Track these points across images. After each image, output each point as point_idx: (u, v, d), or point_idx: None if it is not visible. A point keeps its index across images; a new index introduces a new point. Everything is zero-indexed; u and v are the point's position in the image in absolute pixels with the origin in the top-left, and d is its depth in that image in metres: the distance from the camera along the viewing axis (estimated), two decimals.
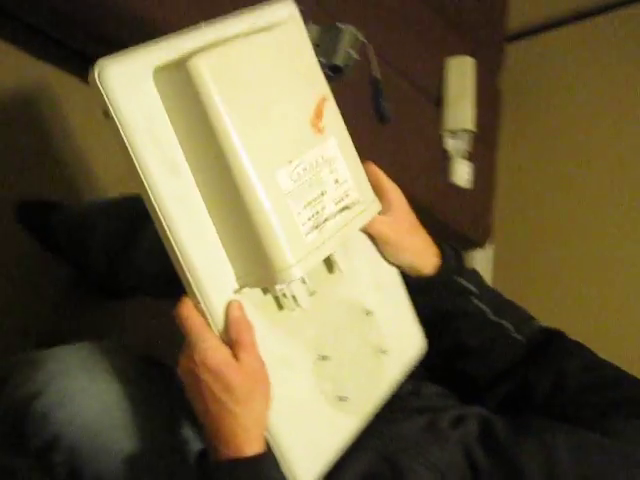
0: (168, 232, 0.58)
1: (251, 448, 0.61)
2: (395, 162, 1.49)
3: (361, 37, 1.35)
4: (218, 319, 0.61)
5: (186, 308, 0.61)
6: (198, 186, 0.60)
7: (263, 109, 0.60)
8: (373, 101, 1.43)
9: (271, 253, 0.59)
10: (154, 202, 0.58)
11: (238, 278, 0.62)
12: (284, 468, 0.66)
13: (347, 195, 0.66)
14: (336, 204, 0.65)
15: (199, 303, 0.61)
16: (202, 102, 0.56)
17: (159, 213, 0.58)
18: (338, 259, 0.71)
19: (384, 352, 0.77)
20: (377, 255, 0.78)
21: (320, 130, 0.64)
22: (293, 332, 0.68)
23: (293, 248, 0.60)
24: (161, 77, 0.58)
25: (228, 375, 0.59)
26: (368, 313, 0.75)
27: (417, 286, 0.81)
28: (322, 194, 0.63)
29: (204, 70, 0.56)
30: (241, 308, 0.62)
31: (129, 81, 0.56)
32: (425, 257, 0.78)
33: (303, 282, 0.66)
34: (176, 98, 0.58)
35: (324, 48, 1.30)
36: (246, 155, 0.58)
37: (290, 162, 0.61)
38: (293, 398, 0.67)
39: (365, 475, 0.70)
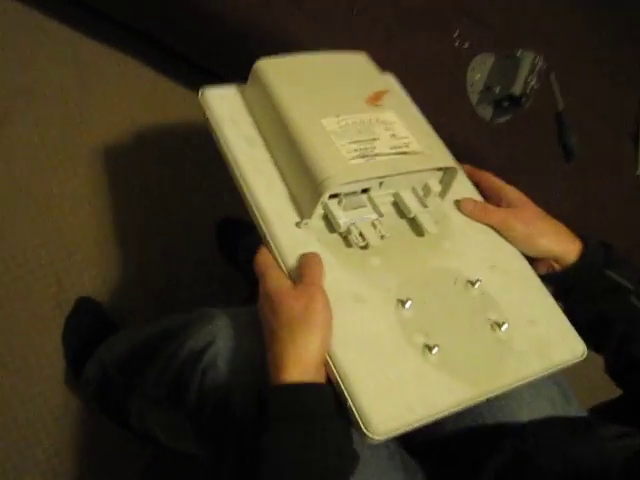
0: (244, 187, 0.72)
1: (291, 376, 0.57)
2: (585, 203, 1.28)
3: (542, 63, 1.28)
4: (285, 255, 0.67)
5: (261, 254, 0.68)
6: (269, 151, 0.75)
7: (316, 90, 0.75)
8: (558, 135, 1.29)
9: (315, 170, 0.67)
10: (233, 166, 0.73)
11: (299, 214, 0.70)
12: (352, 409, 0.59)
13: (407, 145, 0.72)
14: (390, 148, 0.71)
15: (268, 240, 0.68)
16: (262, 85, 0.75)
17: (238, 174, 0.73)
18: (424, 220, 0.72)
19: (500, 326, 0.68)
20: (500, 242, 0.76)
21: (376, 105, 0.76)
22: (369, 274, 0.68)
23: (334, 164, 0.67)
24: (243, 88, 0.80)
25: (277, 299, 0.61)
26: (475, 283, 0.70)
27: (562, 281, 0.72)
28: (373, 139, 0.71)
29: (264, 65, 0.77)
30: (316, 254, 0.66)
31: (219, 95, 0.79)
32: (564, 242, 0.74)
33: (372, 225, 0.70)
34: (252, 92, 0.78)
35: (501, 77, 1.25)
36: (296, 114, 0.72)
37: (337, 115, 0.72)
38: (368, 337, 0.64)
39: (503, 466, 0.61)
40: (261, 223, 0.69)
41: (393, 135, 0.73)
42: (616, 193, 1.36)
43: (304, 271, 0.64)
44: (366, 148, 0.70)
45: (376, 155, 0.69)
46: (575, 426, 0.69)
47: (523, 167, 1.25)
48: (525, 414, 0.74)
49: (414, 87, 1.23)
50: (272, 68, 0.76)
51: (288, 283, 0.63)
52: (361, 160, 0.68)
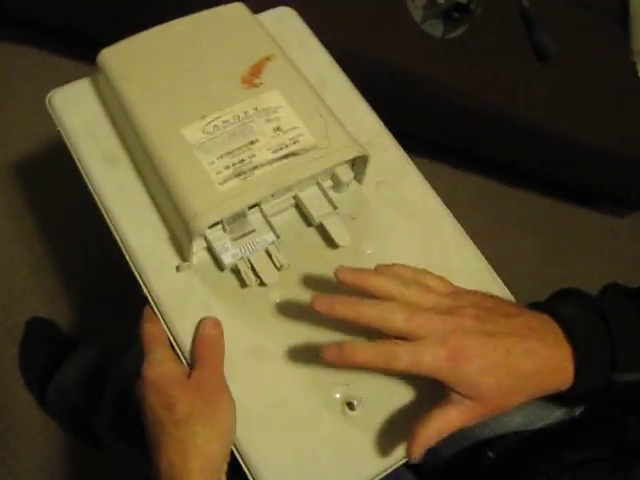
0: (108, 221, 0.59)
1: None
2: (568, 106, 1.13)
3: None
4: (167, 314, 0.55)
5: (146, 319, 0.56)
6: (136, 170, 0.60)
7: (172, 80, 0.59)
8: (528, 36, 1.11)
9: (181, 206, 0.54)
10: (94, 195, 0.60)
11: (179, 254, 0.57)
12: None
13: (295, 141, 0.57)
14: (274, 152, 0.56)
15: (145, 294, 0.57)
16: (111, 85, 0.59)
17: (100, 205, 0.59)
18: (331, 229, 0.58)
19: None
20: (437, 230, 0.63)
21: (255, 85, 0.59)
22: (271, 316, 0.56)
23: (202, 197, 0.53)
24: (95, 82, 0.64)
25: (170, 391, 0.50)
26: None
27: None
28: (251, 143, 0.56)
29: (107, 56, 0.60)
30: (215, 325, 0.54)
31: (71, 97, 0.64)
32: (548, 380, 0.50)
33: (268, 255, 0.56)
34: (103, 93, 0.63)
35: None
36: (148, 121, 0.57)
37: (203, 117, 0.57)
38: (274, 403, 0.54)
39: None
40: (134, 271, 0.57)
41: (278, 129, 0.57)
42: (607, 92, 1.19)
43: (200, 355, 0.53)
44: (242, 160, 0.55)
45: (255, 168, 0.55)
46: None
47: (488, 82, 1.08)
48: (516, 411, 0.66)
49: (344, 13, 1.04)
50: (116, 59, 0.60)
51: (182, 370, 0.52)
52: (236, 180, 0.54)
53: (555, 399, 0.63)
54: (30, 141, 1.22)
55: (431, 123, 1.25)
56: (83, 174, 0.60)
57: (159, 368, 0.51)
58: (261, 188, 0.54)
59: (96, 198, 0.60)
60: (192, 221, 0.52)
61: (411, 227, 0.62)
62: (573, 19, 1.22)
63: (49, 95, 0.64)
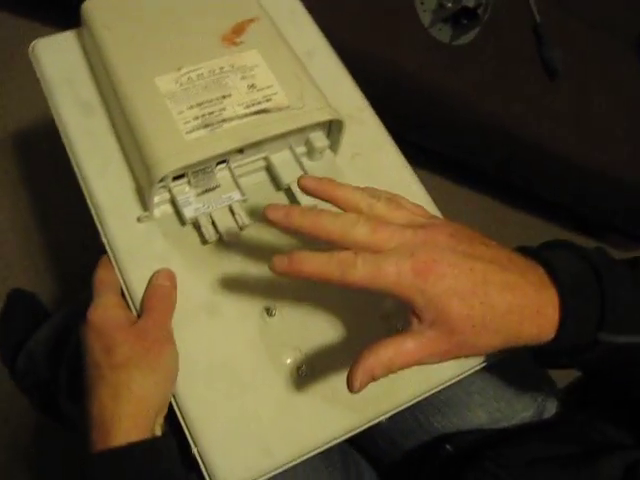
0: (75, 167, 0.58)
1: (122, 433, 0.45)
2: (577, 126, 1.09)
3: None
4: (122, 261, 0.54)
5: (100, 266, 0.54)
6: (110, 119, 0.60)
7: (153, 32, 0.59)
8: (538, 51, 1.09)
9: (145, 151, 0.52)
10: (65, 142, 0.59)
11: (142, 204, 0.56)
12: (197, 457, 0.49)
13: (269, 99, 0.56)
14: (245, 107, 0.55)
15: (103, 242, 0.55)
16: (92, 34, 0.59)
17: (69, 151, 0.59)
18: (300, 195, 0.57)
19: (396, 326, 0.54)
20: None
21: (235, 44, 0.59)
22: (225, 275, 0.55)
23: (165, 143, 0.52)
24: (80, 35, 0.63)
25: (111, 334, 0.48)
26: None
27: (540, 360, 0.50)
28: (223, 97, 0.55)
29: (90, 6, 0.60)
30: (168, 277, 0.53)
31: (55, 47, 0.63)
32: (528, 322, 0.42)
33: (231, 213, 0.55)
34: (86, 45, 0.62)
35: None
36: (123, 68, 0.56)
37: (179, 69, 0.56)
38: (222, 362, 0.52)
39: None
40: (95, 218, 0.56)
41: (252, 86, 0.56)
42: (619, 112, 1.14)
43: (149, 304, 0.51)
44: (212, 112, 0.54)
45: (224, 121, 0.54)
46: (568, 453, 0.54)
47: (494, 92, 1.05)
48: (479, 406, 0.64)
49: (352, 13, 1.03)
50: (99, 10, 0.60)
51: (127, 316, 0.51)
52: (203, 131, 0.53)
53: (522, 395, 0.62)
54: (29, 114, 1.23)
55: (432, 130, 1.24)
56: (57, 121, 0.60)
57: (104, 311, 0.50)
58: (227, 141, 0.53)
59: (66, 144, 0.59)
60: (154, 167, 0.51)
61: None
62: (586, 38, 1.21)
63: (32, 44, 0.63)
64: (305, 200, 0.56)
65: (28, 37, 0.63)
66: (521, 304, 0.41)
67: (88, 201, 0.56)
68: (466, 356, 0.42)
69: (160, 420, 0.49)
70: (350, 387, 0.40)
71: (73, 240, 1.16)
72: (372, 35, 1.10)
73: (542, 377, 0.68)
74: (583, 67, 1.10)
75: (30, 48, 0.63)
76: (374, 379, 0.40)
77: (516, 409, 0.65)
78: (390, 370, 0.40)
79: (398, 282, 0.39)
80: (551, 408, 0.66)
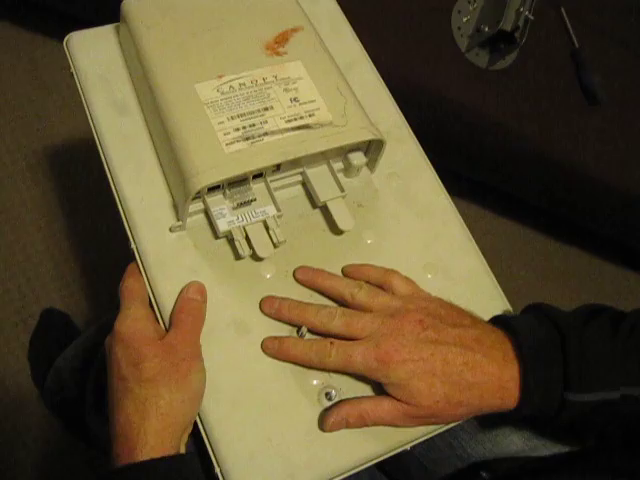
0: (107, 169, 0.57)
1: (148, 449, 0.45)
2: (618, 155, 1.08)
3: None
4: (151, 270, 0.53)
5: (128, 274, 0.53)
6: (145, 120, 0.58)
7: (195, 35, 0.57)
8: (577, 77, 1.08)
9: (183, 162, 0.51)
10: (97, 142, 0.58)
11: (175, 213, 0.55)
12: (219, 477, 0.48)
13: (311, 114, 0.54)
14: (287, 121, 0.54)
15: (132, 249, 0.54)
16: (131, 32, 0.57)
17: (101, 153, 0.57)
18: (335, 212, 0.56)
19: None
20: (445, 229, 0.59)
21: (278, 53, 0.57)
22: (255, 291, 0.54)
23: (205, 155, 0.51)
24: (117, 30, 0.62)
25: (138, 346, 0.47)
26: None
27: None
28: (265, 109, 0.54)
29: (131, 5, 0.58)
30: (199, 291, 0.52)
31: (90, 42, 0.62)
32: (490, 402, 0.49)
33: (266, 229, 0.54)
34: (123, 41, 0.61)
35: (490, 14, 1.03)
36: (163, 71, 0.55)
37: (220, 77, 0.55)
38: (249, 381, 0.51)
39: None
40: (125, 224, 0.55)
41: (295, 99, 0.55)
42: None
43: (178, 318, 0.50)
44: (253, 125, 0.53)
45: (265, 134, 0.53)
46: None
47: (533, 119, 1.03)
48: (514, 432, 0.63)
49: (390, 38, 1.01)
50: (140, 7, 0.58)
51: (155, 329, 0.50)
52: (244, 144, 0.52)
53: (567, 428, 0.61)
54: (67, 133, 1.22)
55: (470, 157, 1.20)
56: (90, 119, 0.58)
57: (132, 323, 0.49)
58: (268, 155, 0.52)
59: (99, 145, 0.57)
60: (191, 178, 0.50)
61: (416, 223, 0.59)
62: (625, 65, 1.18)
63: (67, 37, 0.62)
64: (340, 218, 0.55)
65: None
66: (482, 381, 0.47)
67: (119, 206, 0.55)
68: (435, 424, 0.50)
69: (185, 438, 0.48)
70: (322, 425, 0.49)
71: (107, 261, 1.15)
72: (409, 59, 1.07)
73: None
74: (624, 94, 1.08)
75: (65, 41, 0.62)
76: (347, 426, 0.48)
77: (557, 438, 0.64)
78: (363, 422, 0.48)
79: (365, 367, 0.48)
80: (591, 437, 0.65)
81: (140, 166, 0.56)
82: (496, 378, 0.48)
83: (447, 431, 0.56)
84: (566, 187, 1.17)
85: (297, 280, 0.54)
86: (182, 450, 0.48)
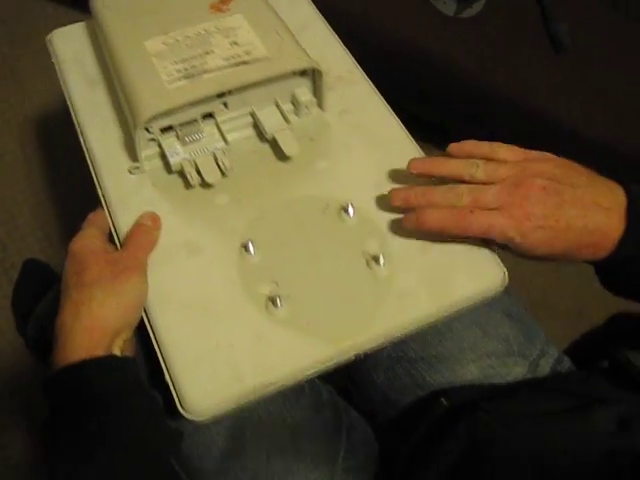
0: (79, 133, 0.63)
1: (75, 350, 0.46)
2: (584, 100, 1.04)
3: None
4: (113, 207, 0.57)
5: (95, 212, 0.58)
6: (110, 91, 0.64)
7: (147, 8, 0.63)
8: (543, 24, 1.06)
9: (131, 102, 0.56)
10: (71, 112, 0.64)
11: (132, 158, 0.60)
12: (169, 382, 0.50)
13: (248, 52, 0.58)
14: (225, 60, 0.58)
15: (98, 193, 0.59)
16: (95, 15, 0.65)
17: (74, 120, 0.64)
18: (282, 140, 0.59)
19: (378, 260, 0.54)
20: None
21: (222, 10, 0.62)
22: (211, 217, 0.57)
23: (148, 92, 0.56)
24: (90, 25, 0.70)
25: (84, 258, 0.51)
26: (349, 208, 0.56)
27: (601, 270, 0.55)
28: (206, 53, 0.58)
29: None
30: (151, 218, 0.56)
31: (69, 35, 0.70)
32: (597, 232, 0.50)
33: (215, 160, 0.58)
34: (94, 31, 0.68)
35: None
36: (117, 35, 0.61)
37: (167, 33, 0.60)
38: (200, 296, 0.53)
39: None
40: (92, 172, 0.60)
41: (234, 43, 0.59)
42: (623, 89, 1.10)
43: (128, 240, 0.54)
44: (193, 66, 0.57)
45: (204, 72, 0.57)
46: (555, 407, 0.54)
47: (499, 65, 1.04)
48: (471, 362, 0.62)
49: None
50: None
51: (105, 247, 0.53)
52: (184, 82, 0.56)
53: (514, 352, 0.60)
54: (47, 95, 1.31)
55: (433, 101, 1.19)
56: (66, 95, 0.65)
57: (83, 240, 0.53)
58: (206, 87, 0.56)
59: (73, 115, 0.63)
60: (137, 111, 0.55)
61: (370, 149, 0.61)
62: (591, 13, 1.17)
63: (50, 35, 0.70)
64: (285, 145, 0.58)
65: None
66: (597, 241, 0.50)
67: (87, 158, 0.60)
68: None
69: (119, 343, 0.49)
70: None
71: (84, 211, 1.21)
72: (375, 7, 1.08)
73: (538, 336, 0.65)
74: (589, 41, 1.07)
75: (48, 39, 0.69)
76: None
77: (508, 365, 0.63)
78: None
79: (504, 236, 0.49)
80: (545, 366, 0.63)
81: (104, 124, 0.62)
82: (610, 235, 0.50)
83: (407, 361, 0.60)
84: (533, 131, 1.15)
85: (413, 173, 0.55)
86: (116, 353, 0.49)
